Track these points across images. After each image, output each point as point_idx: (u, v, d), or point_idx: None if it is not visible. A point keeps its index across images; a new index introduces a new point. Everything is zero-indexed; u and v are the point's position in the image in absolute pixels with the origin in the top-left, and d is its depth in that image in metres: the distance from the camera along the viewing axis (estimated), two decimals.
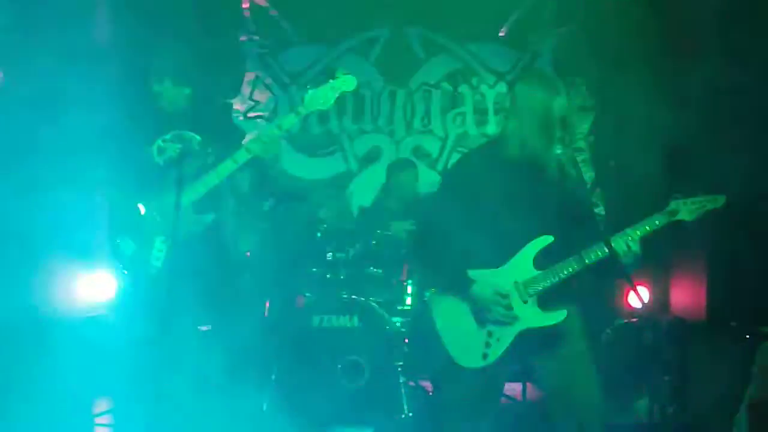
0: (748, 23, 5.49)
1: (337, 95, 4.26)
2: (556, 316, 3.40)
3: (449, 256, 3.59)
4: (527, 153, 3.42)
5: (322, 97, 4.24)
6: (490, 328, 3.46)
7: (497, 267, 3.49)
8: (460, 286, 3.49)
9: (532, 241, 3.45)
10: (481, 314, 3.46)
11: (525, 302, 3.43)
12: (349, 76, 4.29)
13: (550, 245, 3.45)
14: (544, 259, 3.45)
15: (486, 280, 3.46)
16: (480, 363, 3.45)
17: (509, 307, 3.43)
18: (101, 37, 6.38)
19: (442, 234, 3.58)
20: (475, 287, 3.45)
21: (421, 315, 5.81)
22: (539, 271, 3.45)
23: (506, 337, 3.44)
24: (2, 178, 4.97)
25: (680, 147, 6.11)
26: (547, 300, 3.45)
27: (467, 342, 3.49)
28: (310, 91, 4.27)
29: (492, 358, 3.44)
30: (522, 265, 3.47)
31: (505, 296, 3.43)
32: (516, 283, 3.45)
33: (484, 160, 3.58)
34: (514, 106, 3.49)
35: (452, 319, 3.54)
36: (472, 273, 3.49)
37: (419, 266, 5.78)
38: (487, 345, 3.45)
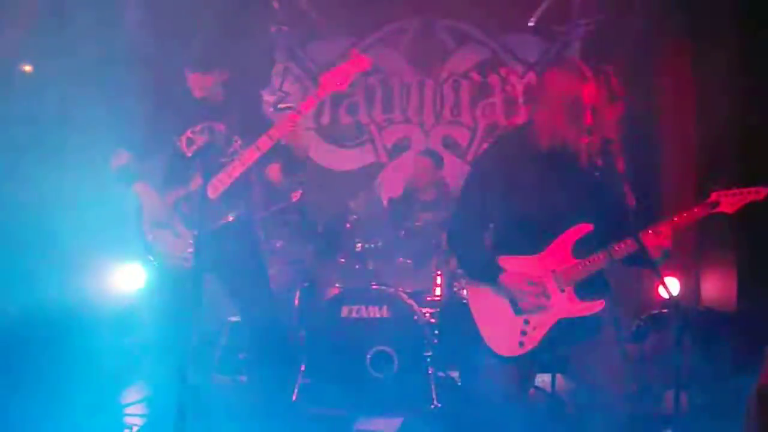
0: None
1: (353, 77, 4.26)
2: (593, 306, 3.36)
3: (479, 243, 3.57)
4: (556, 141, 3.39)
5: (338, 79, 4.24)
6: (527, 316, 3.42)
7: (533, 254, 3.44)
8: (491, 275, 3.45)
9: (570, 229, 3.40)
10: (518, 303, 3.41)
11: (562, 291, 3.39)
12: (363, 56, 4.28)
13: (587, 234, 3.40)
14: (581, 248, 3.40)
15: (522, 267, 3.42)
16: (516, 351, 3.42)
17: (547, 296, 3.39)
18: (132, 29, 6.42)
19: (471, 222, 3.57)
20: (510, 275, 3.40)
21: (452, 304, 5.82)
22: (577, 260, 3.39)
23: (543, 325, 3.40)
24: (34, 173, 5.02)
25: (714, 137, 6.07)
26: (584, 289, 3.40)
27: (504, 330, 3.45)
28: (326, 74, 4.28)
29: (528, 346, 3.41)
30: (559, 253, 3.41)
31: (541, 284, 3.39)
32: (554, 271, 3.41)
33: (513, 148, 3.55)
34: (543, 95, 3.47)
35: (489, 308, 3.50)
36: (507, 260, 3.45)
37: (450, 255, 5.74)
38: (524, 333, 3.41)
